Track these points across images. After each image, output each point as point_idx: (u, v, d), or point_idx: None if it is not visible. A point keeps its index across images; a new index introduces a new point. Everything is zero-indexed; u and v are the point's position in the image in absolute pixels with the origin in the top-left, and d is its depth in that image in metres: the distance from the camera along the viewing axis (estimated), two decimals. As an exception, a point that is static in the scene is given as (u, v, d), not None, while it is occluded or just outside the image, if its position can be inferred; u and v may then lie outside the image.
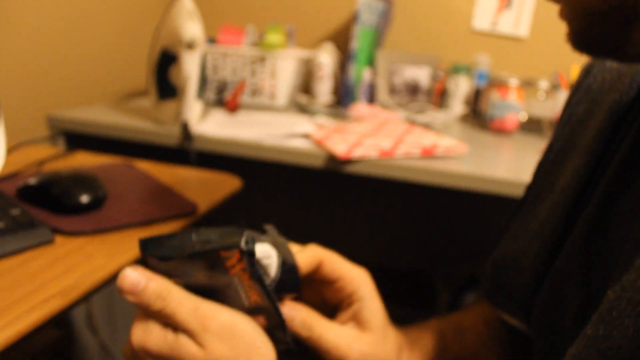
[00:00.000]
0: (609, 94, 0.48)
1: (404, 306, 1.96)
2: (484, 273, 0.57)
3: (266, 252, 0.43)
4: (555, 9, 0.39)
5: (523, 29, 1.72)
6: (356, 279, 0.52)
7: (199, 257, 0.38)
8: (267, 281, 0.43)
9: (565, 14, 0.38)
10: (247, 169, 1.16)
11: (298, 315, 0.48)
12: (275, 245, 0.44)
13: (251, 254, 0.38)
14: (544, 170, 0.55)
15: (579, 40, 0.38)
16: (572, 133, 0.51)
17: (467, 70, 1.65)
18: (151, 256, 0.39)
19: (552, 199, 0.49)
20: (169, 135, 1.14)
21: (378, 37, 1.65)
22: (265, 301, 0.41)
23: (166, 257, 0.39)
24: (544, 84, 1.53)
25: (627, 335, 0.28)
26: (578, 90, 0.54)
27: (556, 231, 0.47)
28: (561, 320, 0.42)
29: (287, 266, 0.45)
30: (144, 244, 0.40)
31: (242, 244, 0.38)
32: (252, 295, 0.41)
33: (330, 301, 0.53)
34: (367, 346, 0.50)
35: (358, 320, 0.52)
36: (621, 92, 0.47)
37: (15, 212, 0.60)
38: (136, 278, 0.38)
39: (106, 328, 1.36)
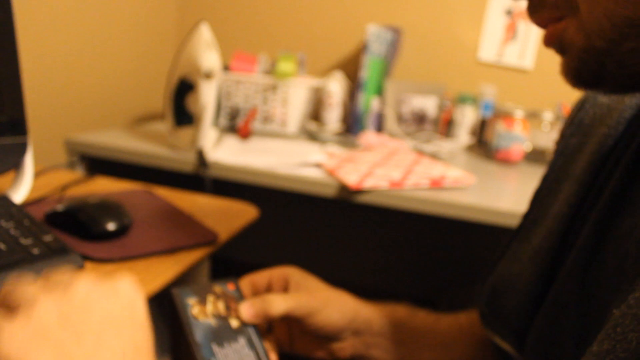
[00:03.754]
0: (599, 127, 0.52)
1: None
2: (480, 295, 0.60)
3: None
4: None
5: (528, 61, 1.76)
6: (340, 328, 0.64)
7: None
8: None
9: (568, 52, 0.42)
10: (259, 196, 1.19)
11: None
12: None
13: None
14: (539, 198, 0.58)
15: (579, 76, 0.42)
16: (565, 163, 0.55)
17: (473, 100, 1.68)
18: None
19: (546, 226, 0.52)
20: (185, 161, 1.18)
21: (386, 67, 1.69)
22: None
23: None
24: (548, 116, 1.57)
25: (630, 349, 0.30)
26: (571, 123, 0.58)
27: (549, 256, 0.50)
28: (559, 347, 0.44)
29: None
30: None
31: None
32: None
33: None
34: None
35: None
36: (609, 126, 0.50)
37: (47, 238, 0.63)
38: None
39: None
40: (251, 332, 0.59)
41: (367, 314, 0.66)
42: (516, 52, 1.77)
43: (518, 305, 0.52)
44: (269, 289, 0.66)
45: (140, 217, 0.79)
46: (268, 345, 0.61)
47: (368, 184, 1.05)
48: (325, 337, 0.64)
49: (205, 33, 1.15)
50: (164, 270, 0.65)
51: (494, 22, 1.77)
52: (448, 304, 1.71)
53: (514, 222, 1.02)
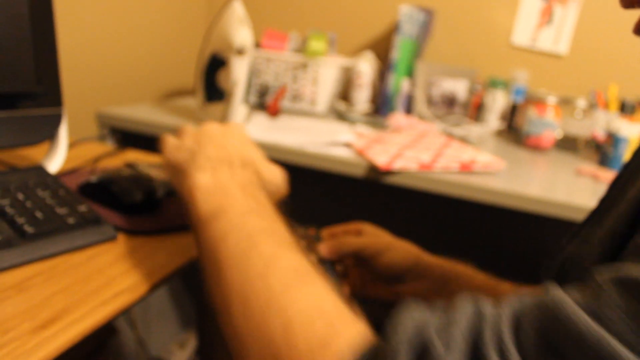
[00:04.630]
0: None
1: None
2: (547, 271, 0.60)
3: None
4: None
5: (563, 46, 1.73)
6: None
7: None
8: None
9: None
10: (287, 174, 1.19)
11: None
12: None
13: None
14: (617, 184, 0.58)
15: None
16: None
17: (505, 85, 1.66)
18: None
19: (619, 209, 0.52)
20: (215, 137, 1.18)
21: (418, 48, 1.67)
22: None
23: None
24: (581, 103, 1.54)
25: None
26: None
27: (616, 239, 0.49)
28: None
29: None
30: None
31: None
32: None
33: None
34: None
35: None
36: None
37: (82, 208, 0.64)
38: None
39: (142, 322, 1.41)
40: (328, 268, 0.70)
41: (428, 261, 0.76)
42: (551, 37, 1.74)
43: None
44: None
45: (171, 190, 0.80)
46: (343, 287, 0.74)
47: (397, 165, 1.05)
48: (391, 279, 0.75)
49: (238, 9, 1.15)
50: (194, 244, 0.65)
51: (529, 6, 1.73)
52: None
53: (543, 209, 1.02)
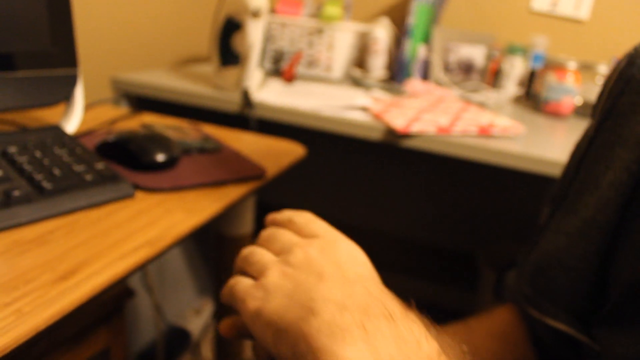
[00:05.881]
0: None
1: (448, 285, 1.98)
2: (521, 276, 0.55)
3: None
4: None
5: (584, 11, 1.69)
6: None
7: None
8: None
9: None
10: (303, 138, 1.18)
11: None
12: None
13: None
14: (585, 165, 0.51)
15: None
16: (616, 126, 0.48)
17: (523, 51, 1.63)
18: None
19: (599, 196, 0.47)
20: (230, 101, 1.17)
21: (435, 14, 1.64)
22: None
23: None
24: (602, 69, 1.51)
25: None
26: (619, 80, 0.50)
27: (606, 230, 0.46)
28: None
29: None
30: None
31: None
32: None
33: None
34: None
35: None
36: None
37: (99, 166, 0.64)
38: None
39: (159, 288, 1.42)
40: None
41: None
42: (572, 2, 1.70)
43: (570, 282, 0.48)
44: None
45: (188, 149, 0.79)
46: None
47: (415, 128, 1.04)
48: None
49: (253, -29, 1.13)
50: (212, 202, 0.65)
51: (550, -30, 1.69)
52: (488, 258, 1.70)
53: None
